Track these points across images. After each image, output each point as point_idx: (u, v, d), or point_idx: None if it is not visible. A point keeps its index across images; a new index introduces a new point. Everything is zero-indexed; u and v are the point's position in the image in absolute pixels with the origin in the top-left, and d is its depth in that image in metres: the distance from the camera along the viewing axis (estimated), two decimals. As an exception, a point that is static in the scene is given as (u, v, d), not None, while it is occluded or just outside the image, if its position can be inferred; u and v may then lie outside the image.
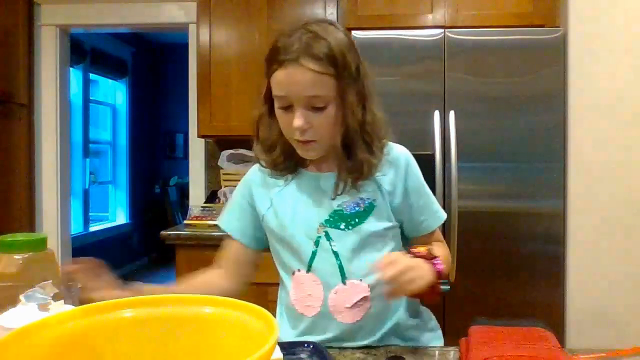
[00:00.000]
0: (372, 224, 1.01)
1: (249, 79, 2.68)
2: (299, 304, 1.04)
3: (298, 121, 0.93)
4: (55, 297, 0.71)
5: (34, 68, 3.10)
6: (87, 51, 4.85)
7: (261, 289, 2.34)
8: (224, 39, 2.69)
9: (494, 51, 2.20)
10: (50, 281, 0.73)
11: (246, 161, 2.89)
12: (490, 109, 2.20)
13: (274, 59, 0.92)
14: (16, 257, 0.78)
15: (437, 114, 2.18)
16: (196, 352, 0.59)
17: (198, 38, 2.71)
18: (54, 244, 3.11)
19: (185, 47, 3.10)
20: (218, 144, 3.02)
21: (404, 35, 2.24)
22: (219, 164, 2.90)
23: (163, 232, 2.40)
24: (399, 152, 1.05)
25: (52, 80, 3.13)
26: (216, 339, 0.58)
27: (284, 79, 0.92)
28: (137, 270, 5.94)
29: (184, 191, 5.88)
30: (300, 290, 1.03)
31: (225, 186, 2.84)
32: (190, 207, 2.70)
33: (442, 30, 2.23)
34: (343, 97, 0.94)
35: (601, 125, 2.18)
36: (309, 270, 1.02)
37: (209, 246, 2.37)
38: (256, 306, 0.57)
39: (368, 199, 1.01)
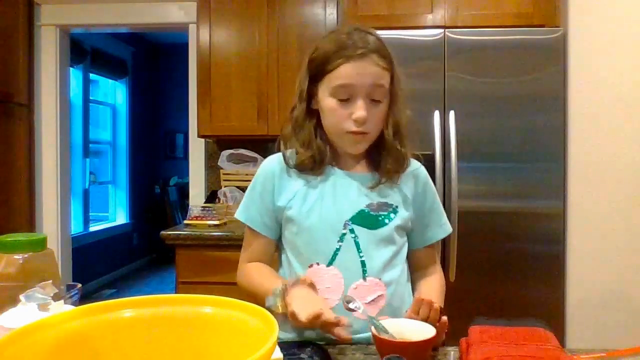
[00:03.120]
0: (392, 228, 1.07)
1: (249, 79, 2.68)
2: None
3: (361, 111, 1.00)
4: (55, 297, 0.71)
5: (34, 68, 3.10)
6: (87, 51, 4.85)
7: (261, 289, 2.34)
8: (224, 39, 2.69)
9: (494, 51, 2.20)
10: (50, 281, 0.73)
11: (246, 161, 2.89)
12: (490, 109, 2.20)
13: (339, 54, 1.00)
14: (16, 257, 0.78)
15: (437, 114, 2.18)
16: (196, 352, 0.59)
17: (198, 38, 2.71)
18: (54, 244, 3.11)
19: (185, 47, 3.10)
20: (218, 144, 3.02)
21: (404, 35, 2.24)
22: (219, 164, 2.90)
23: (163, 232, 2.40)
24: (418, 165, 1.15)
25: (52, 80, 3.14)
26: (216, 339, 0.58)
27: (351, 71, 0.99)
28: (137, 270, 5.94)
29: (184, 191, 5.88)
30: (319, 283, 1.04)
31: (225, 186, 2.84)
32: (190, 207, 2.70)
33: (442, 30, 2.23)
34: (392, 95, 1.06)
35: (601, 125, 2.18)
36: (330, 264, 1.04)
37: (209, 246, 2.38)
38: (256, 306, 0.57)
39: (392, 204, 1.08)
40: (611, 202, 2.17)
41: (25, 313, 0.67)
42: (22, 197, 3.04)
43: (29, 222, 3.06)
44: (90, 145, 5.22)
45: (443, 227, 1.18)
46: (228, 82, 2.69)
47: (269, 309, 0.88)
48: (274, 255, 1.17)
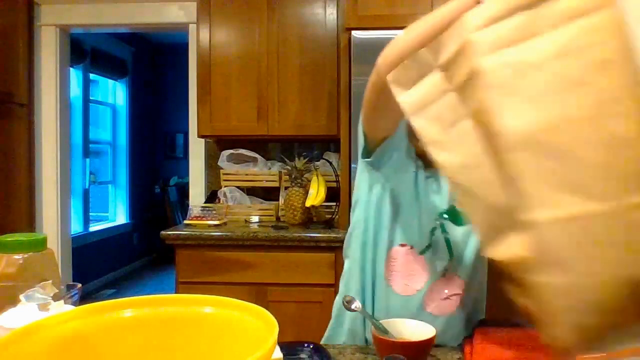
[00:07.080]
0: None
1: (249, 79, 2.68)
2: (396, 280, 1.00)
3: None
4: (55, 297, 0.71)
5: (34, 68, 3.10)
6: (87, 51, 4.85)
7: (261, 289, 2.34)
8: (224, 39, 2.69)
9: (494, 51, 2.20)
10: (50, 281, 0.73)
11: (246, 161, 2.89)
12: (490, 109, 2.20)
13: None
14: (16, 257, 0.78)
15: (437, 114, 2.18)
16: (196, 352, 0.59)
17: (198, 38, 2.71)
18: (54, 244, 3.11)
19: (185, 47, 3.10)
20: (218, 144, 3.02)
21: (404, 35, 2.23)
22: (219, 164, 2.90)
23: (163, 232, 2.40)
24: None
25: (52, 80, 3.14)
26: (216, 339, 0.58)
27: None
28: (137, 270, 5.94)
29: (184, 191, 5.88)
30: (407, 267, 0.99)
31: (225, 186, 2.84)
32: (190, 207, 2.70)
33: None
34: None
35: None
36: (421, 252, 0.99)
37: (209, 246, 2.38)
38: (256, 306, 0.57)
39: None
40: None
41: (25, 313, 0.67)
42: (22, 197, 3.04)
43: (29, 222, 3.06)
44: (90, 145, 5.22)
45: None
46: (228, 82, 2.69)
47: None
48: None
